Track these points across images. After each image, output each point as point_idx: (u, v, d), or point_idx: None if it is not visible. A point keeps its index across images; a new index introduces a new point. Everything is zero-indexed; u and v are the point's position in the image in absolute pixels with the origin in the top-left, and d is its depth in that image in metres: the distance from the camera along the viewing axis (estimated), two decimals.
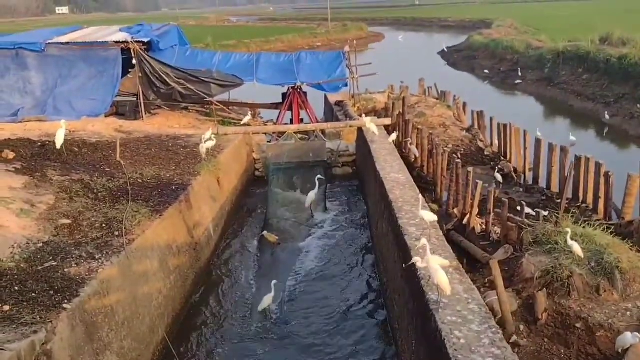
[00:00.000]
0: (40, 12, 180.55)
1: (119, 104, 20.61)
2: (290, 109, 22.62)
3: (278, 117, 23.06)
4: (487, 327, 6.90)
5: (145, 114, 20.13)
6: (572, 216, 10.35)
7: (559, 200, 13.08)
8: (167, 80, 19.91)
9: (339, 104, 24.16)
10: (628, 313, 8.00)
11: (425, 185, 15.62)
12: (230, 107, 23.42)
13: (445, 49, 56.21)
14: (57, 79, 19.50)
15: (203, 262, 13.33)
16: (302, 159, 18.70)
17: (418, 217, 9.95)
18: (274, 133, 21.21)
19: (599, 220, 11.32)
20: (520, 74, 39.91)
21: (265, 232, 15.01)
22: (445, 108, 22.81)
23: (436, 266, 7.33)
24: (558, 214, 10.75)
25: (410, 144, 17.93)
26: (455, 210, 13.03)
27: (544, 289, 8.49)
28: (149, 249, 10.47)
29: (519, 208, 11.96)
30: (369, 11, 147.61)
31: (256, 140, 20.67)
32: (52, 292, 7.80)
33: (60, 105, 19.06)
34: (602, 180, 12.41)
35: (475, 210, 12.04)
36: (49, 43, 19.93)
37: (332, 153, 19.98)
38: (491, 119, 19.78)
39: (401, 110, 20.19)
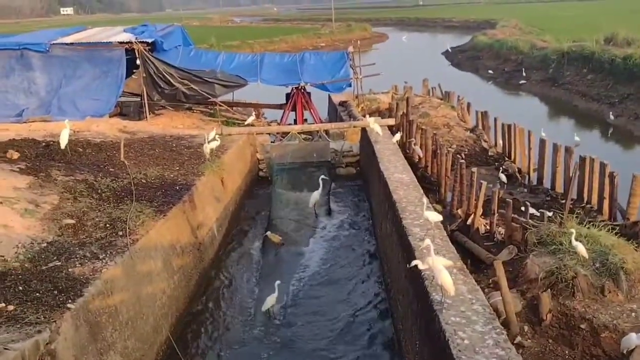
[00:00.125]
0: (45, 12, 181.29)
1: (123, 104, 20.64)
2: (294, 109, 22.62)
3: (282, 117, 23.06)
4: (491, 327, 6.87)
5: (149, 114, 20.15)
6: (576, 217, 10.31)
7: (563, 201, 13.05)
8: (171, 80, 19.93)
9: (342, 104, 24.16)
10: (633, 314, 7.97)
11: (429, 185, 15.61)
12: (234, 108, 23.43)
13: (449, 49, 56.18)
14: (61, 79, 19.54)
15: (207, 263, 13.33)
16: (306, 159, 18.69)
17: (422, 217, 9.92)
18: (277, 133, 21.21)
19: (603, 220, 11.29)
20: (524, 74, 39.83)
21: (268, 233, 15.01)
22: (449, 108, 22.79)
23: (440, 266, 7.31)
24: (562, 214, 10.72)
25: (414, 144, 17.90)
26: (459, 211, 13.01)
27: (549, 289, 8.46)
28: (152, 249, 10.48)
29: (523, 208, 11.94)
30: (372, 11, 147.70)
31: (260, 140, 20.68)
32: (56, 292, 7.80)
33: (65, 105, 19.10)
34: (606, 180, 12.39)
35: (480, 211, 12.02)
36: (54, 43, 19.98)
37: (336, 153, 19.97)
38: (495, 119, 19.75)
39: (405, 111, 20.18)
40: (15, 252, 8.81)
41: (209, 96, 20.42)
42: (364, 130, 18.98)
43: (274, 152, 19.13)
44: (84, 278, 8.33)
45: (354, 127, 19.52)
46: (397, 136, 17.30)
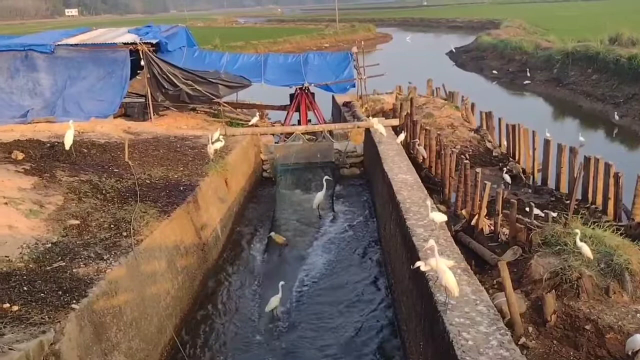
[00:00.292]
0: (50, 14, 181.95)
1: (128, 105, 20.68)
2: (297, 109, 22.62)
3: (286, 118, 23.08)
4: (495, 328, 6.86)
5: (154, 115, 20.19)
6: (581, 217, 10.29)
7: (568, 201, 13.00)
8: (175, 81, 19.97)
9: (346, 104, 24.15)
10: (638, 315, 7.94)
11: (433, 186, 15.58)
12: (238, 108, 23.46)
13: (454, 50, 56.08)
14: (66, 80, 19.61)
15: (211, 263, 13.35)
16: (310, 159, 18.70)
17: (426, 218, 9.93)
18: (281, 134, 21.23)
19: (608, 221, 11.26)
20: (528, 74, 39.75)
21: (272, 233, 15.01)
22: (453, 109, 22.74)
23: (444, 267, 7.30)
24: (567, 215, 10.69)
25: (418, 144, 17.88)
26: (464, 211, 12.98)
27: (553, 290, 8.43)
28: (156, 249, 10.50)
29: (527, 209, 11.90)
30: (376, 12, 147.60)
31: (264, 141, 20.69)
32: (60, 293, 7.83)
33: (69, 106, 19.15)
34: (611, 181, 12.34)
35: (484, 211, 11.98)
36: (58, 45, 20.04)
37: (340, 154, 19.97)
38: (499, 120, 19.70)
39: (409, 111, 20.16)
40: (20, 253, 8.84)
41: (213, 97, 20.44)
42: (367, 131, 18.97)
43: (278, 152, 19.16)
44: (89, 278, 8.35)
45: (358, 127, 19.51)
46: (401, 137, 17.28)
